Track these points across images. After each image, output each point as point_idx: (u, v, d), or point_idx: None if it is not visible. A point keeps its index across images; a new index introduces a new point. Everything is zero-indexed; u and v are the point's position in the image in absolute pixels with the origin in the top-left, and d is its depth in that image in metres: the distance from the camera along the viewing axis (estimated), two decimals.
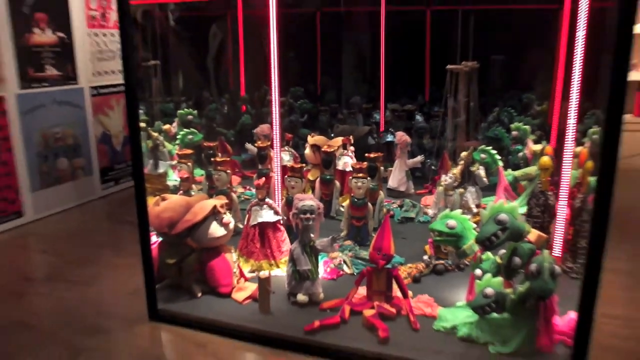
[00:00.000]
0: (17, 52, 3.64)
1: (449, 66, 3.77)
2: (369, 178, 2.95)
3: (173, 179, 3.95)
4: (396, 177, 3.95)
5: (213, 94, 5.89)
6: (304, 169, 3.12)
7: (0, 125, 3.55)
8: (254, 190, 3.46)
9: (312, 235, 2.23)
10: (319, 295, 2.26)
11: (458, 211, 2.49)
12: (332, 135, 4.54)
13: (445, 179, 3.09)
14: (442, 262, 2.57)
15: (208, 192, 3.17)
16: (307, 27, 6.28)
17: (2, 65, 3.54)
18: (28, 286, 2.79)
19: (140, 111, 3.83)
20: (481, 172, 3.27)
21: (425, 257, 2.62)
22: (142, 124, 3.75)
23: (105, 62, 4.39)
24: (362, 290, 2.26)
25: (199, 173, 3.97)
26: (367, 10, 5.85)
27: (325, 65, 6.31)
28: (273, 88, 2.61)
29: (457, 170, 3.15)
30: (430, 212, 3.37)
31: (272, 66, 2.59)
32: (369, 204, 2.95)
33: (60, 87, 4.00)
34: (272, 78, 2.60)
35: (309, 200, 2.22)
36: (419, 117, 4.83)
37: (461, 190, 3.08)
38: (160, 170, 3.74)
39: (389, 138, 4.51)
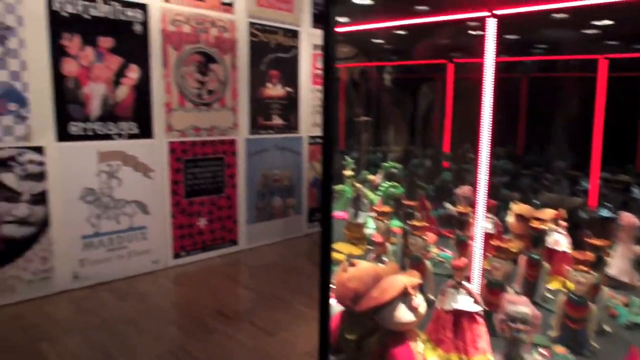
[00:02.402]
0: (251, 103, 3.71)
1: None
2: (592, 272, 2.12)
3: (371, 227, 3.57)
4: (618, 265, 2.92)
5: (417, 150, 5.47)
6: (506, 238, 2.43)
7: (230, 164, 3.62)
8: (449, 253, 2.85)
9: (521, 349, 1.56)
10: None
11: None
12: (537, 202, 3.68)
13: None
14: None
15: (401, 259, 2.68)
16: (512, 90, 5.53)
17: (239, 113, 3.63)
18: (218, 323, 2.60)
19: (350, 160, 3.56)
20: None
21: None
22: (349, 173, 3.46)
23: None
24: None
25: (396, 224, 3.52)
26: (579, 76, 4.87)
27: (529, 127, 5.45)
28: (482, 156, 2.04)
29: None
30: None
31: (483, 129, 2.03)
32: (590, 303, 2.11)
33: (283, 134, 3.98)
34: (482, 144, 2.02)
35: (522, 305, 1.56)
36: (636, 191, 3.67)
37: None
38: (360, 219, 3.36)
39: (605, 213, 3.46)
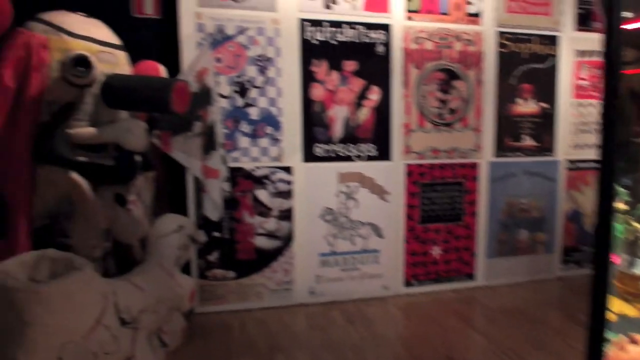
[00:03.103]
0: (497, 121, 3.31)
1: None
2: None
3: None
4: None
5: None
6: None
7: (470, 189, 3.28)
8: None
9: None
10: None
11: None
12: None
13: None
14: None
15: None
16: None
17: (482, 133, 3.27)
18: None
19: (623, 190, 2.83)
20: None
21: None
22: (622, 206, 2.74)
23: (588, 135, 3.54)
24: None
25: None
26: None
27: None
28: None
29: None
30: None
31: None
32: None
33: (534, 157, 3.43)
34: None
35: None
36: None
37: None
38: (637, 270, 2.61)
39: None
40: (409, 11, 3.05)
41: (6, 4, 1.46)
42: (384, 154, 3.08)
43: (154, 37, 2.75)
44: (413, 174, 3.15)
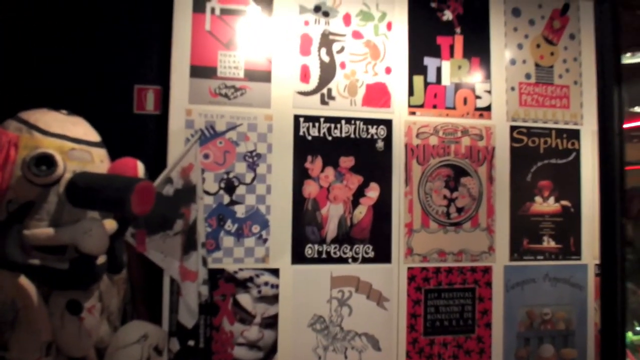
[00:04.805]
0: (513, 221, 3.01)
1: None
2: None
3: None
4: None
5: None
6: None
7: (483, 297, 2.92)
8: None
9: None
10: None
11: None
12: None
13: None
14: None
15: None
16: None
17: (496, 234, 2.97)
18: None
19: None
20: None
21: None
22: None
23: None
24: None
25: None
26: None
27: None
28: None
29: None
30: None
31: None
32: None
33: (557, 261, 3.06)
34: None
35: None
36: None
37: None
38: None
39: None
40: (411, 106, 2.93)
41: None
42: (382, 256, 2.80)
43: (148, 134, 2.73)
44: (416, 278, 2.84)
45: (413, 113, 2.91)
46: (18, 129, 2.00)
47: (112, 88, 2.70)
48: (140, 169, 2.29)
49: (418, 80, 2.95)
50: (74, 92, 2.63)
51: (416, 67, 2.95)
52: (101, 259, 2.03)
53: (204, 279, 2.40)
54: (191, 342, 2.50)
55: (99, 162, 2.15)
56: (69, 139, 2.04)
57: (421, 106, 2.93)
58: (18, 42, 2.66)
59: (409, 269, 2.83)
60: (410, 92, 2.93)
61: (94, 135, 2.19)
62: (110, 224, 2.11)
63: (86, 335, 1.91)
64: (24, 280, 1.82)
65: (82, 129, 2.15)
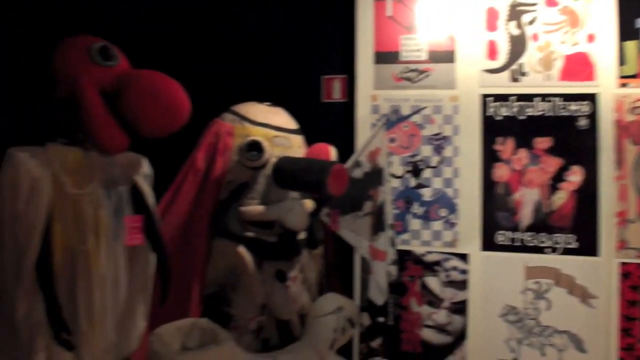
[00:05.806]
0: None
1: None
2: None
3: None
4: None
5: None
6: None
7: None
8: None
9: None
10: None
11: None
12: None
13: None
14: None
15: None
16: None
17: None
18: None
19: None
20: None
21: None
22: None
23: None
24: None
25: None
26: None
27: None
28: None
29: None
30: None
31: None
32: None
33: None
34: None
35: None
36: None
37: None
38: None
39: None
40: (622, 77, 2.53)
41: (183, 101, 1.69)
42: (588, 248, 2.48)
43: (337, 120, 2.89)
44: (631, 276, 2.44)
45: (624, 85, 2.52)
46: (232, 120, 2.32)
47: (303, 80, 2.92)
48: (333, 153, 2.45)
49: (631, 46, 2.52)
50: (273, 87, 2.92)
51: (628, 31, 2.52)
52: (302, 235, 2.24)
53: (392, 259, 2.46)
54: (381, 319, 2.59)
55: (297, 147, 2.37)
56: (273, 127, 2.30)
57: (635, 76, 2.51)
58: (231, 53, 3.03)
59: (622, 264, 2.45)
60: (621, 61, 2.53)
61: (292, 124, 2.42)
62: (309, 204, 2.31)
63: (291, 301, 2.13)
64: (242, 250, 2.11)
65: (282, 118, 2.39)
